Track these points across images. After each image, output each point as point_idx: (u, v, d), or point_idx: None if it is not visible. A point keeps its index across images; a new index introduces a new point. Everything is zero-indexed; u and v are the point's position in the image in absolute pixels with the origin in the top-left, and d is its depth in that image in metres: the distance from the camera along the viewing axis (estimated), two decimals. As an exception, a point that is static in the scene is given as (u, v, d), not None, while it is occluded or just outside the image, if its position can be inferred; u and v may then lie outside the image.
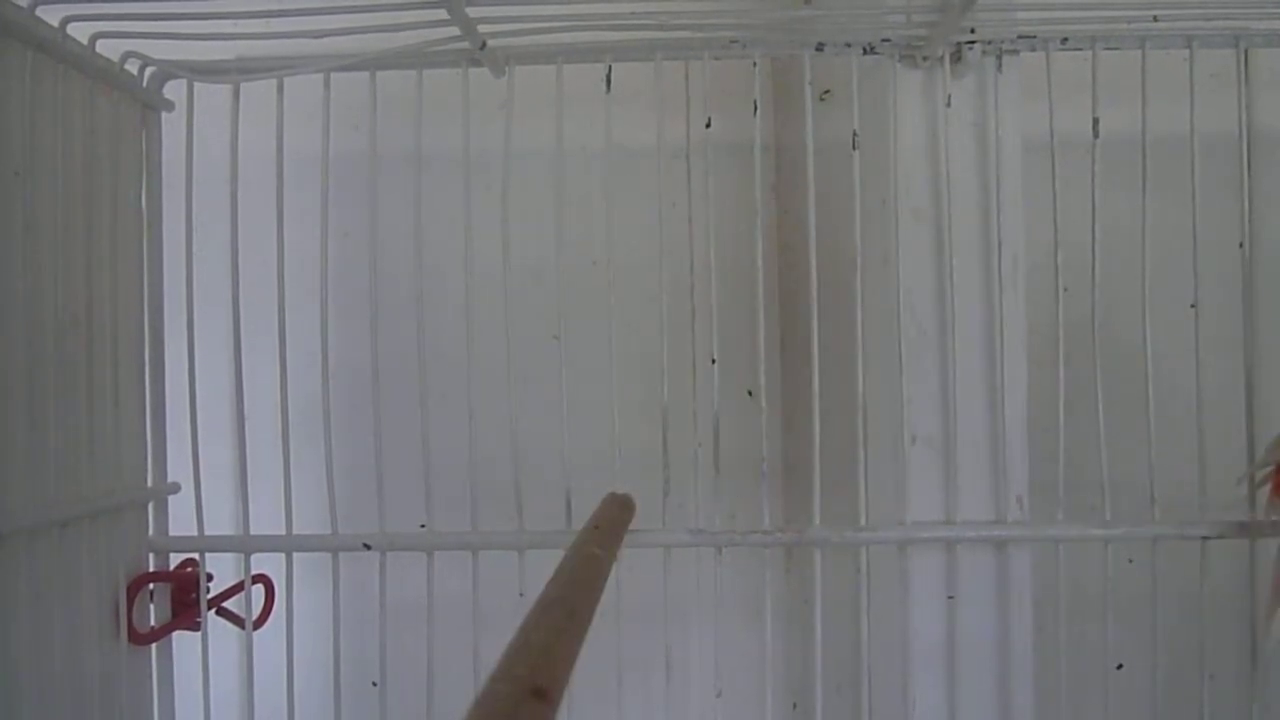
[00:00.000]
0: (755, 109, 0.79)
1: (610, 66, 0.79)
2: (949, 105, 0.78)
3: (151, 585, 0.80)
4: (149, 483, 0.81)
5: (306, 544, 0.80)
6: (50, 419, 0.68)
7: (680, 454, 0.78)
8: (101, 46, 0.73)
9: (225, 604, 0.82)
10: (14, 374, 0.65)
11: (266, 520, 0.80)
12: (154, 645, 0.81)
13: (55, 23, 0.69)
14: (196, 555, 0.81)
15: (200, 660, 0.80)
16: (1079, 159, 0.78)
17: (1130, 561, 0.79)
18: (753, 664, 0.91)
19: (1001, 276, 0.78)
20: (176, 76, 0.80)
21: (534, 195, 0.83)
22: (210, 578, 0.81)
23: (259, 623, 0.81)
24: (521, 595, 0.76)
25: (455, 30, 0.72)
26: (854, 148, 0.77)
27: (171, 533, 0.83)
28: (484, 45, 0.75)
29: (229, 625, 0.82)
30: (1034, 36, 0.77)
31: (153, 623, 0.80)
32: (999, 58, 0.78)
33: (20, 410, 0.65)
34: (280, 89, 0.79)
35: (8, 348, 0.65)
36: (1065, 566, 0.77)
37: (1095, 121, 0.77)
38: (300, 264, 0.80)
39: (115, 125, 0.77)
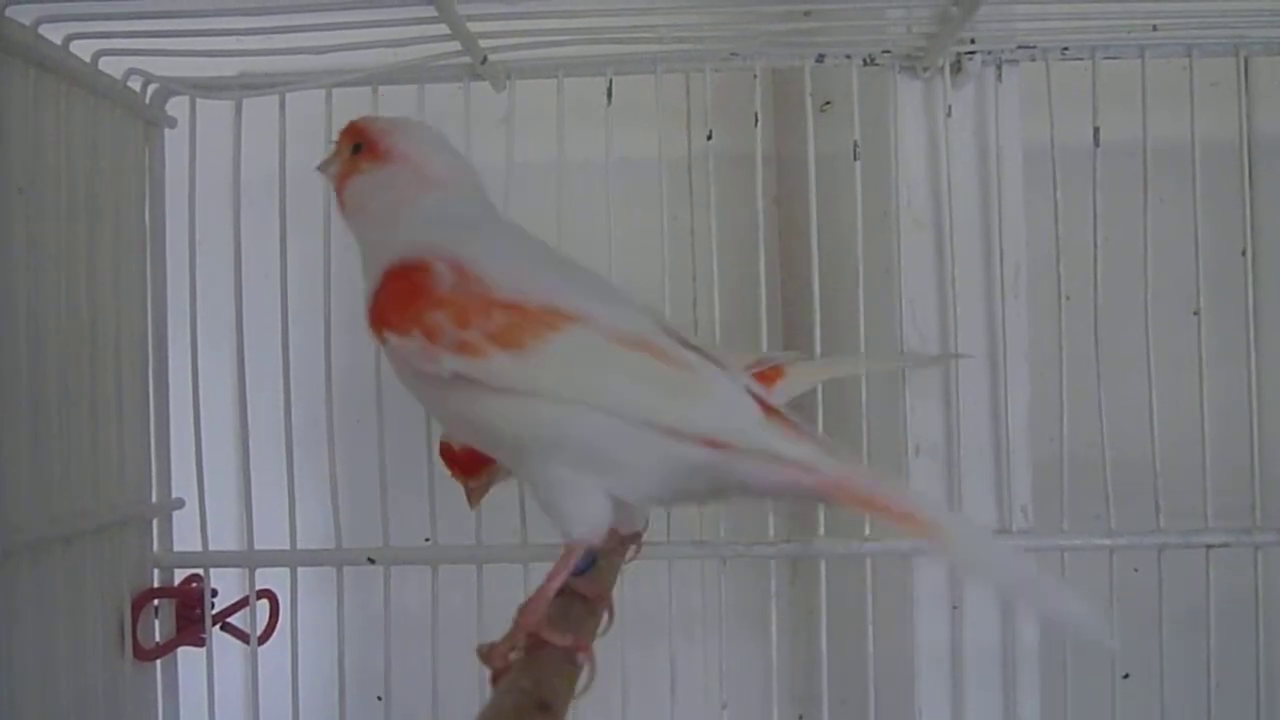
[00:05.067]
0: (756, 120, 0.79)
1: (611, 79, 0.79)
2: (949, 115, 0.78)
3: (156, 601, 0.80)
4: (153, 498, 0.81)
5: (311, 558, 0.80)
6: (54, 434, 0.68)
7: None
8: (104, 64, 0.74)
9: (230, 619, 0.82)
10: (18, 390, 0.65)
11: (271, 535, 0.80)
12: (159, 661, 0.81)
13: (58, 40, 0.70)
14: (201, 570, 0.81)
15: (205, 676, 0.80)
16: (1080, 168, 0.78)
17: (1135, 570, 0.79)
18: (758, 676, 0.90)
19: (1003, 285, 0.78)
20: (179, 93, 0.80)
21: (536, 208, 0.82)
22: (215, 593, 0.81)
23: (264, 638, 0.81)
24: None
25: (456, 45, 0.72)
26: (855, 158, 0.78)
27: (176, 548, 0.83)
28: (485, 60, 0.75)
29: (234, 640, 0.82)
30: (1034, 46, 0.77)
31: (157, 638, 0.80)
32: (999, 68, 0.78)
33: (24, 426, 0.65)
34: (282, 105, 0.79)
35: (12, 363, 0.65)
36: (1070, 575, 0.77)
37: (1096, 130, 0.77)
38: (303, 278, 0.80)
39: (118, 142, 0.77)
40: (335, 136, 0.59)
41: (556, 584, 0.46)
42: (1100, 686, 0.77)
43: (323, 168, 0.57)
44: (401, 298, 0.46)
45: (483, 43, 0.74)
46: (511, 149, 0.78)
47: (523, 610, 0.46)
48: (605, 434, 0.44)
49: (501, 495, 0.78)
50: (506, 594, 0.76)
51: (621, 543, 0.63)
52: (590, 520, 0.45)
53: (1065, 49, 0.77)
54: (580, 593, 0.50)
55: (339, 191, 0.56)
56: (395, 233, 0.51)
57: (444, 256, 0.46)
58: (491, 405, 0.44)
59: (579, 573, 0.50)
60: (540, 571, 0.74)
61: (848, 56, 0.78)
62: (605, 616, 0.51)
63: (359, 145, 0.55)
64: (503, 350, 0.43)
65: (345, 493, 0.80)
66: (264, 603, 0.82)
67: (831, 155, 0.84)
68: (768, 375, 0.65)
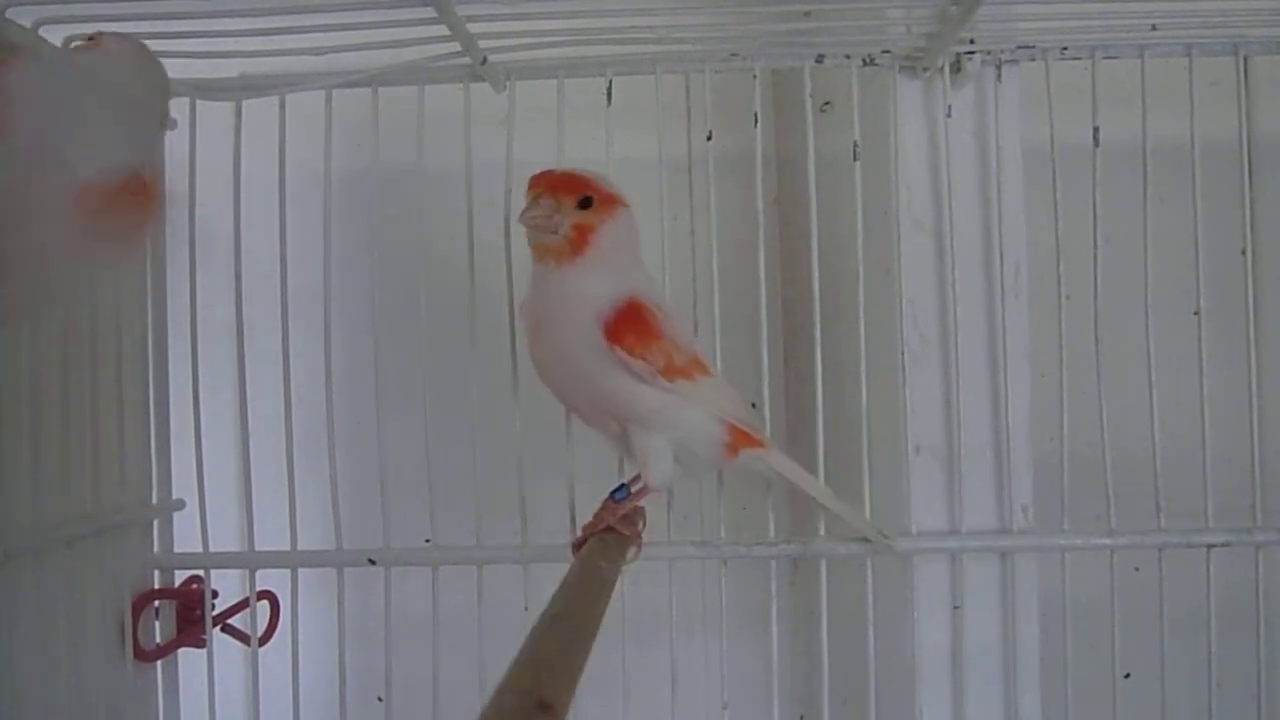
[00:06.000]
0: (756, 121, 0.79)
1: (611, 80, 0.79)
2: (949, 115, 0.78)
3: (157, 602, 0.80)
4: (154, 500, 0.81)
5: (311, 559, 0.80)
6: (55, 436, 0.68)
7: (684, 466, 0.78)
8: (104, 65, 0.74)
9: (230, 620, 0.82)
10: (18, 391, 0.65)
11: (271, 536, 0.80)
12: (159, 662, 0.81)
13: (58, 42, 0.70)
14: (201, 572, 0.81)
15: (206, 677, 0.80)
16: (1080, 168, 0.78)
17: (1136, 570, 0.79)
18: (759, 676, 0.90)
19: (1004, 285, 0.78)
20: (179, 94, 0.80)
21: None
22: (215, 594, 0.81)
23: (264, 639, 0.81)
24: (526, 609, 0.75)
25: (456, 46, 0.72)
26: (855, 159, 0.78)
27: (176, 549, 0.83)
28: (485, 60, 0.75)
29: (234, 642, 0.82)
30: (1033, 46, 0.77)
31: (158, 640, 0.80)
32: (998, 68, 0.78)
33: (25, 427, 0.65)
34: (282, 106, 0.79)
35: (12, 365, 0.65)
36: (1071, 575, 0.77)
37: (1095, 130, 0.77)
38: (303, 280, 0.80)
39: (118, 143, 0.77)
40: (533, 189, 0.66)
41: (631, 505, 0.69)
42: (1101, 686, 0.77)
43: (539, 223, 0.65)
44: (640, 332, 0.65)
45: (483, 43, 0.74)
46: (511, 150, 0.78)
47: (607, 511, 0.69)
48: (703, 422, 0.68)
49: (502, 496, 0.78)
50: (506, 594, 0.77)
51: (622, 542, 0.67)
52: (667, 474, 0.67)
53: (1065, 49, 0.77)
54: (621, 531, 0.68)
55: (584, 242, 0.65)
56: (618, 270, 0.66)
57: (653, 302, 0.67)
58: (653, 398, 0.66)
59: (617, 501, 0.70)
60: (540, 571, 0.76)
61: (847, 57, 0.78)
62: (635, 550, 0.69)
63: (588, 199, 0.65)
64: (684, 379, 0.66)
65: (345, 494, 0.80)
66: (264, 604, 0.82)
67: (831, 156, 0.84)
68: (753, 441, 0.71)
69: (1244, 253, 0.80)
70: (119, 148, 0.55)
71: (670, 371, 0.65)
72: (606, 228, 0.66)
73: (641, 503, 0.70)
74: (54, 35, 0.69)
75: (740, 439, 0.69)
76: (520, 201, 0.67)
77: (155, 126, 0.62)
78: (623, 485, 0.72)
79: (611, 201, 0.66)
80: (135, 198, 0.56)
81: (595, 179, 0.67)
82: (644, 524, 0.71)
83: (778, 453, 0.71)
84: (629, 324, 0.65)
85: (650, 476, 0.67)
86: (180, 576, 0.83)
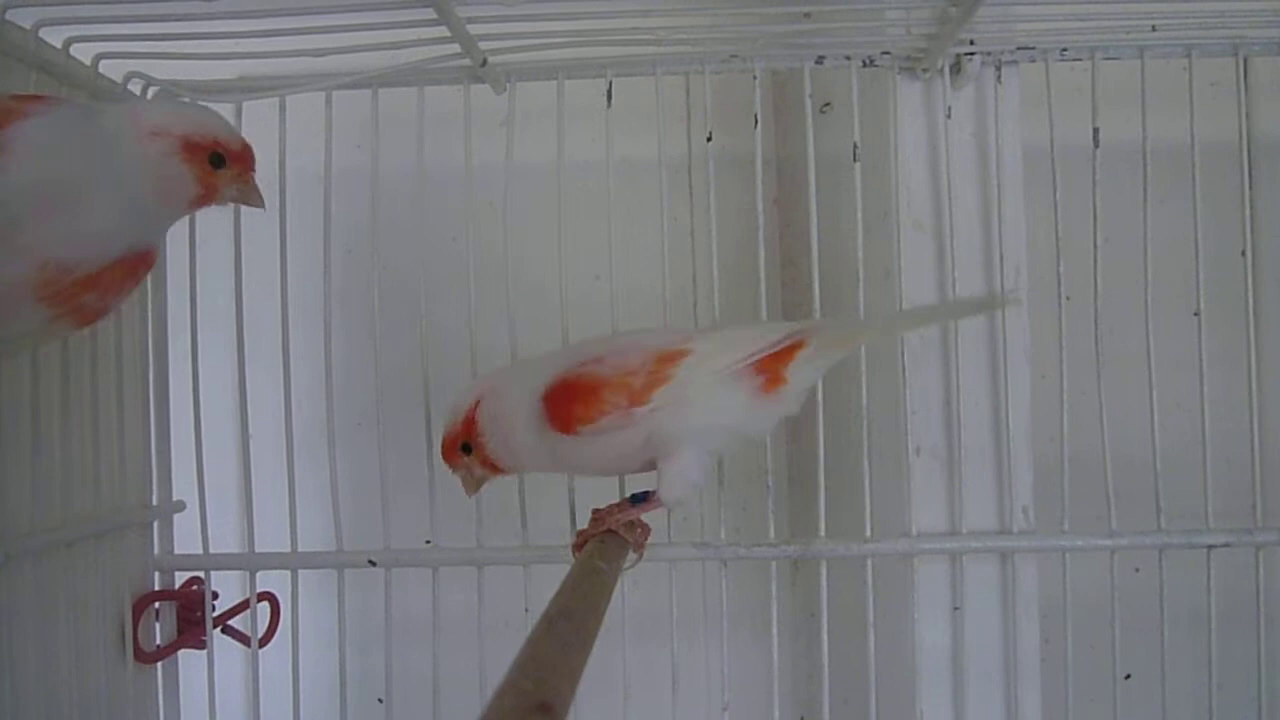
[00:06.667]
0: (756, 122, 0.79)
1: (611, 81, 0.79)
2: (949, 116, 0.78)
3: (157, 604, 0.80)
4: (154, 501, 0.81)
5: (311, 561, 0.80)
6: (55, 438, 0.68)
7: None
8: (104, 67, 0.74)
9: (231, 622, 0.82)
10: (19, 393, 0.65)
11: (271, 537, 0.80)
12: (160, 664, 0.81)
13: (58, 44, 0.70)
14: (202, 573, 0.81)
15: (206, 678, 0.80)
16: (1080, 168, 0.78)
17: (1137, 571, 0.79)
18: (760, 677, 0.90)
19: (1004, 286, 0.78)
20: (179, 96, 0.80)
21: (536, 210, 0.83)
22: (215, 596, 0.81)
23: (265, 640, 0.81)
24: (526, 610, 0.76)
25: (456, 47, 0.72)
26: (855, 160, 0.78)
27: (177, 551, 0.83)
28: (485, 62, 0.75)
29: (235, 643, 0.82)
30: (1033, 47, 0.77)
31: (158, 641, 0.80)
32: (998, 69, 0.78)
33: (25, 429, 0.65)
34: (282, 107, 0.79)
35: (12, 367, 0.65)
36: (1071, 576, 0.77)
37: (1095, 131, 0.77)
38: (303, 281, 0.80)
39: (119, 145, 0.77)
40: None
41: (636, 514, 0.68)
42: (1102, 687, 0.77)
43: (469, 490, 0.69)
44: (582, 400, 0.63)
45: (483, 45, 0.74)
46: (511, 151, 0.78)
47: (609, 512, 0.67)
48: (714, 394, 0.64)
49: (502, 497, 0.78)
50: (507, 596, 0.77)
51: (622, 544, 0.67)
52: (678, 494, 0.65)
53: (1064, 50, 0.77)
54: (624, 537, 0.67)
55: (489, 464, 0.67)
56: (518, 411, 0.65)
57: (568, 366, 0.65)
58: (651, 421, 0.63)
59: (633, 503, 0.68)
60: (540, 572, 0.76)
61: (847, 58, 0.78)
62: (635, 556, 0.68)
63: (466, 445, 0.67)
64: (659, 386, 0.63)
65: (346, 495, 0.80)
66: (265, 605, 0.82)
67: (831, 157, 0.84)
68: (787, 351, 0.65)
69: (1244, 253, 0.80)
70: (104, 238, 0.53)
71: (638, 397, 0.63)
72: (487, 439, 0.66)
73: (645, 516, 0.69)
74: (54, 37, 0.69)
75: (771, 365, 0.64)
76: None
77: (179, 206, 0.58)
78: (646, 492, 0.70)
79: (471, 422, 0.66)
80: (106, 286, 0.54)
81: (453, 421, 0.67)
82: (647, 535, 0.70)
83: (826, 336, 0.65)
84: (566, 404, 0.63)
85: (663, 492, 0.66)
86: (180, 578, 0.83)
